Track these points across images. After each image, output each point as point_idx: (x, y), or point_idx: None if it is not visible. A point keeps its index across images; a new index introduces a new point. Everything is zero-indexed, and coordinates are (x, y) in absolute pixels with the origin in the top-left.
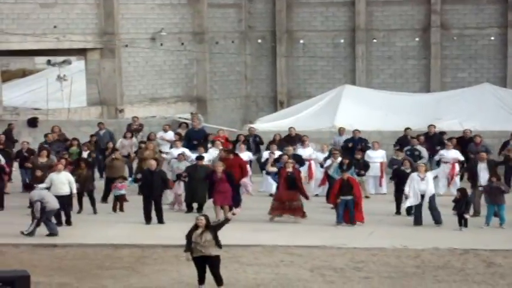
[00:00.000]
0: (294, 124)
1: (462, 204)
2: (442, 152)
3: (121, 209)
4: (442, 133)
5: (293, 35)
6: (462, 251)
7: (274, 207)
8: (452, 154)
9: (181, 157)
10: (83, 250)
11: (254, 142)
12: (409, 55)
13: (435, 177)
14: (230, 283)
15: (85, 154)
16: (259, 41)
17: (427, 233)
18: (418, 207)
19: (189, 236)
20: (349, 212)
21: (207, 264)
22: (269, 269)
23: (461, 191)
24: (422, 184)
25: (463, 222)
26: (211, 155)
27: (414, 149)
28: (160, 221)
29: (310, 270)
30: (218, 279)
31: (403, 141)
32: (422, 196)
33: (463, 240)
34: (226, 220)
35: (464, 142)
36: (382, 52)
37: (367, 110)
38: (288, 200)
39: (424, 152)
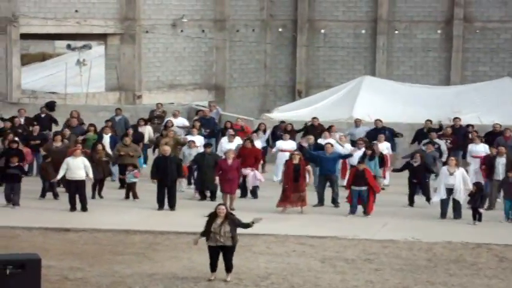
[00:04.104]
0: (311, 114)
1: (477, 199)
2: (470, 146)
3: (134, 196)
4: (469, 126)
5: (314, 24)
6: (475, 245)
7: (281, 200)
8: (481, 148)
9: (192, 144)
10: (95, 235)
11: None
12: (431, 47)
13: None
14: (242, 271)
15: (107, 137)
16: (280, 29)
17: (440, 226)
18: (445, 201)
19: (208, 225)
20: (362, 202)
21: (221, 252)
22: (280, 259)
23: (477, 185)
24: (451, 179)
25: (477, 217)
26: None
27: (433, 142)
28: (172, 207)
29: (321, 261)
30: (229, 267)
31: (420, 133)
32: (451, 190)
33: (476, 234)
34: (249, 225)
35: (494, 136)
36: (404, 44)
37: (385, 101)
38: (294, 192)
39: (443, 146)
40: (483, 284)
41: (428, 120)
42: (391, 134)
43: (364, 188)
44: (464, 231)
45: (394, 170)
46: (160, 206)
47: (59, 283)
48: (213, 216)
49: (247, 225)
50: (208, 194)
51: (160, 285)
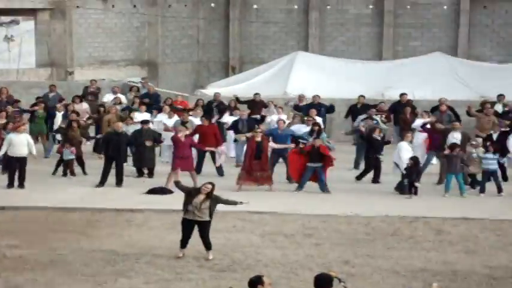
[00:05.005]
0: (246, 90)
1: (413, 173)
2: (417, 121)
3: (71, 173)
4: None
5: None
6: (412, 218)
7: (242, 178)
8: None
9: (129, 121)
10: (33, 213)
11: (217, 108)
12: (363, 22)
13: None
14: None
15: (59, 115)
16: (212, 5)
17: (377, 200)
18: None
19: (187, 195)
20: (317, 178)
21: (198, 228)
22: (221, 234)
23: (413, 159)
24: (411, 153)
25: (413, 190)
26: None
27: (371, 117)
28: (120, 183)
29: (261, 236)
30: (207, 244)
31: (353, 109)
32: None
33: (413, 208)
34: (236, 203)
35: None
36: (336, 19)
37: (319, 77)
38: (257, 171)
39: (379, 121)
40: (421, 257)
41: (361, 95)
42: (325, 111)
43: (319, 164)
44: (401, 205)
45: (347, 134)
46: (103, 182)
47: None
48: (195, 193)
49: (234, 203)
50: (145, 171)
51: (101, 263)
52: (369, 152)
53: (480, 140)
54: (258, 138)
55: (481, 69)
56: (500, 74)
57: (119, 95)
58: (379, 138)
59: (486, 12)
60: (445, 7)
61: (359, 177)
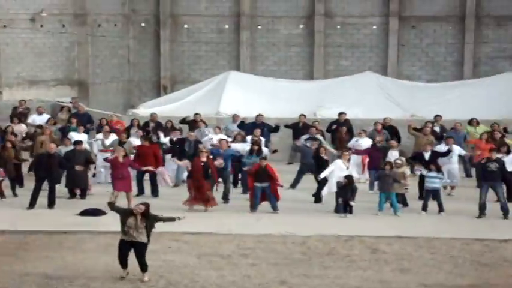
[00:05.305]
0: (178, 110)
1: (348, 191)
2: (354, 139)
3: (1, 195)
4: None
5: (177, 19)
6: (347, 237)
7: (190, 200)
8: (365, 142)
9: (67, 142)
10: None
11: (155, 128)
12: (293, 42)
13: None
14: (116, 270)
15: None
16: (143, 24)
17: (313, 219)
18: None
19: (122, 216)
20: (267, 198)
21: (134, 249)
22: (156, 256)
23: (348, 177)
24: (345, 172)
25: (347, 209)
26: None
27: (314, 137)
28: (52, 205)
29: (197, 257)
30: (144, 266)
31: (296, 128)
32: None
33: (348, 227)
34: (174, 219)
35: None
36: (267, 39)
37: (252, 96)
38: (207, 190)
39: (323, 140)
40: (358, 276)
41: (302, 114)
42: (268, 130)
43: (267, 184)
44: (336, 224)
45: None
46: (33, 204)
47: None
48: (128, 213)
49: (172, 219)
50: (78, 192)
51: (34, 286)
52: (319, 172)
53: (404, 159)
54: (204, 159)
55: (411, 88)
56: (430, 93)
57: (45, 115)
58: (325, 157)
59: (415, 32)
60: (375, 27)
61: (317, 200)
